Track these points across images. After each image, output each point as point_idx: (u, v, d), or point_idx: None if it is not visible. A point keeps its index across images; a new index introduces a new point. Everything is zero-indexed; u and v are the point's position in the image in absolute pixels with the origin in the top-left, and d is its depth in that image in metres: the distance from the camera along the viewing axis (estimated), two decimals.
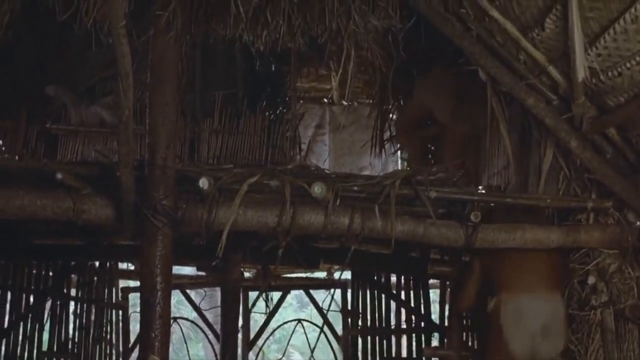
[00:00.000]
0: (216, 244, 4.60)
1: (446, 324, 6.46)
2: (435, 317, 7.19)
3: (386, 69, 6.16)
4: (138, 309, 4.71)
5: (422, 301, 7.25)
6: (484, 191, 5.60)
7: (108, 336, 7.54)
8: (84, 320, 7.30)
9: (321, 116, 9.71)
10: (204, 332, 9.09)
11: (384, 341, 7.46)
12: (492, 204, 5.19)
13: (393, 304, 7.50)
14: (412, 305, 7.29)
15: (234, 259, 6.82)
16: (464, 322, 6.10)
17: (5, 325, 6.84)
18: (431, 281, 7.37)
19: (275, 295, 8.85)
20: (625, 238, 5.16)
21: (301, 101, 8.76)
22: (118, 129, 4.30)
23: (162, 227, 4.51)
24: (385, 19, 5.02)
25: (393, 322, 7.49)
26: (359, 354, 7.64)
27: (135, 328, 6.76)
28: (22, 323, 6.90)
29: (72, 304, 7.33)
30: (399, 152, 8.34)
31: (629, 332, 5.18)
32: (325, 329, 8.71)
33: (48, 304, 7.12)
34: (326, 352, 9.05)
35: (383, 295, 7.51)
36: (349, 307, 7.85)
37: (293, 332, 9.24)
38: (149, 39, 4.61)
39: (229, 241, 4.61)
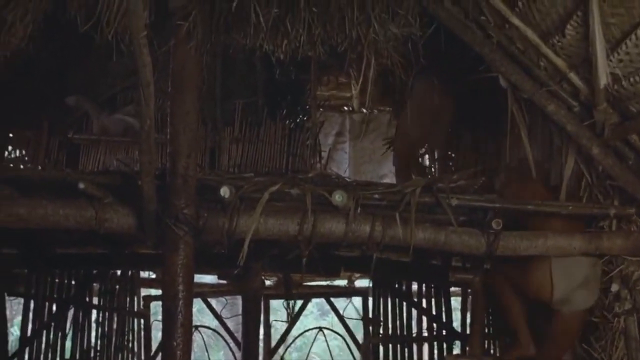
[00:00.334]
0: (237, 252, 4.61)
1: (468, 331, 6.43)
2: (456, 324, 7.16)
3: (406, 76, 6.15)
4: (159, 317, 4.73)
5: (443, 309, 7.22)
6: None
7: (130, 344, 7.55)
8: (106, 329, 7.32)
9: (341, 124, 9.72)
10: (225, 340, 9.08)
11: (406, 349, 7.42)
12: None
13: (414, 312, 7.48)
14: (434, 313, 7.26)
15: (254, 267, 6.83)
16: (486, 330, 6.07)
17: (29, 333, 6.88)
18: (452, 289, 7.34)
19: (297, 304, 8.84)
20: None
21: (321, 109, 8.75)
22: (140, 138, 4.33)
23: (184, 235, 4.53)
24: (405, 27, 5.02)
25: (414, 330, 7.47)
26: None
27: (157, 336, 6.78)
28: (45, 331, 6.94)
29: (94, 312, 7.35)
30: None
31: None
32: (347, 336, 8.70)
33: (70, 313, 7.15)
34: None
35: (404, 303, 7.49)
36: (370, 315, 7.83)
37: (314, 340, 9.22)
38: (169, 49, 4.64)
39: (249, 249, 4.62)
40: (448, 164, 7.65)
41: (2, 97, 6.65)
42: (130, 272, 7.52)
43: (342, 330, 8.90)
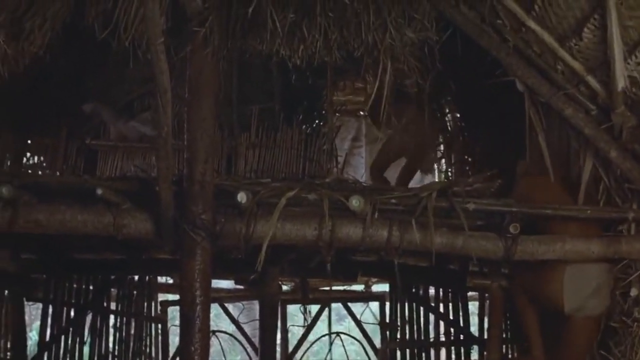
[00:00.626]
0: (254, 257, 4.61)
1: (485, 336, 6.41)
2: (474, 329, 7.14)
3: (422, 81, 6.15)
4: (177, 322, 4.74)
5: (461, 314, 7.20)
6: None
7: (147, 349, 7.57)
8: (123, 334, 7.36)
9: (357, 129, 9.72)
10: (242, 345, 9.11)
11: (423, 354, 7.41)
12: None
13: (432, 317, 7.46)
14: (451, 317, 7.24)
15: (271, 272, 6.82)
16: (504, 335, 6.05)
17: (47, 338, 6.93)
18: (470, 293, 7.32)
19: (313, 308, 8.85)
20: None
21: (337, 114, 8.76)
22: (157, 144, 4.34)
23: (201, 241, 4.54)
24: (421, 32, 5.02)
25: (432, 334, 7.45)
26: None
27: (174, 341, 6.80)
28: (63, 337, 6.99)
29: (112, 317, 7.39)
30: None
31: None
32: (364, 341, 8.69)
33: (88, 318, 7.19)
34: None
35: (421, 308, 7.47)
36: (387, 320, 7.82)
37: (331, 345, 9.21)
38: (186, 55, 4.66)
39: (266, 254, 4.62)
40: (465, 167, 7.64)
41: (20, 104, 6.71)
42: (147, 278, 7.55)
43: (359, 335, 8.89)
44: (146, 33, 4.10)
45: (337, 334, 9.16)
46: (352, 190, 4.88)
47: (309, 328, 8.64)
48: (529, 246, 5.00)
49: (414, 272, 6.63)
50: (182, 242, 4.58)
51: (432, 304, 7.45)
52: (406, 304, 7.56)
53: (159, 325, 7.78)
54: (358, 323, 8.96)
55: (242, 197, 4.61)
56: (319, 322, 9.00)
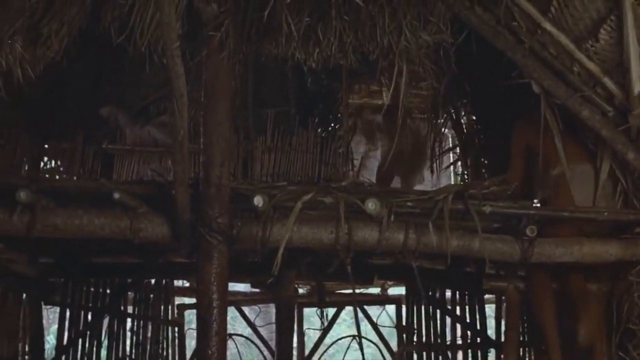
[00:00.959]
0: (270, 260, 4.62)
1: (502, 339, 6.38)
2: (491, 332, 7.11)
3: (438, 83, 6.14)
4: (193, 326, 4.75)
5: (477, 316, 7.17)
6: (538, 205, 5.53)
7: (164, 353, 7.60)
8: (140, 337, 7.38)
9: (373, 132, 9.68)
10: (258, 348, 9.12)
11: (440, 357, 7.38)
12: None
13: (448, 320, 7.44)
14: (468, 320, 7.22)
15: (288, 275, 6.83)
16: (521, 338, 6.02)
17: (65, 342, 6.95)
18: (487, 296, 7.29)
19: (330, 312, 8.84)
20: None
21: (353, 117, 8.75)
22: (173, 148, 4.36)
23: (218, 244, 4.55)
24: (436, 34, 5.01)
25: (448, 337, 7.43)
26: None
27: (190, 344, 6.81)
28: (80, 340, 7.01)
29: (129, 321, 7.41)
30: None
31: None
32: (380, 344, 8.67)
33: (105, 321, 7.22)
34: None
35: (438, 311, 7.45)
36: (404, 323, 7.80)
37: (348, 348, 9.21)
38: (202, 59, 4.67)
39: (283, 258, 4.63)
40: (481, 170, 7.62)
41: (37, 109, 6.75)
42: (164, 281, 7.58)
43: (375, 338, 8.88)
44: (162, 38, 4.11)
45: (354, 336, 9.12)
46: (368, 194, 4.87)
47: (325, 331, 8.64)
48: (546, 249, 4.99)
49: (430, 275, 6.60)
50: (198, 245, 4.59)
51: (449, 307, 7.43)
52: (422, 307, 7.54)
53: (176, 329, 7.80)
54: (374, 326, 8.94)
55: (258, 200, 4.62)
56: (334, 325, 8.99)
